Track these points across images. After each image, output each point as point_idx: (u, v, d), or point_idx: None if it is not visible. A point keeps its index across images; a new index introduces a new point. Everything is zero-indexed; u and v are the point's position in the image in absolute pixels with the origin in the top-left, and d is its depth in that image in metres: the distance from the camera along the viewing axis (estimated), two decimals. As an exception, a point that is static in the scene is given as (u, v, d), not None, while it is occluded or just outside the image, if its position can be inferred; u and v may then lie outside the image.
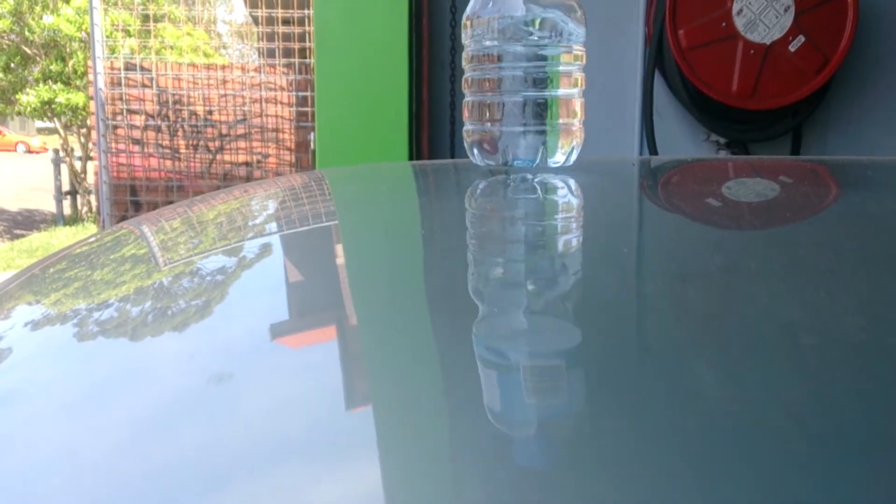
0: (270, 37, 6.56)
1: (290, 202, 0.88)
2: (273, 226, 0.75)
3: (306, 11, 6.22)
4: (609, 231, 0.63)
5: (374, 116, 3.01)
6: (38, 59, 12.21)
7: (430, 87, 3.14)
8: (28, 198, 14.84)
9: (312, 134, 4.82)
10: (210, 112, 6.82)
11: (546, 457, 0.28)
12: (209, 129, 6.81)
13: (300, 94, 6.61)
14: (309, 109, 6.42)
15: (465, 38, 0.83)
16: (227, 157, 6.86)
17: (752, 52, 2.63)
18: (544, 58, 0.80)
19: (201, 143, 6.81)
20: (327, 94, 3.06)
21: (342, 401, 0.34)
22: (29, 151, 26.87)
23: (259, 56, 7.46)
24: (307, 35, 6.29)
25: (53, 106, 11.91)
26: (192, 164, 6.82)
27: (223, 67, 7.15)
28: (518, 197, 0.76)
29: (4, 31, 12.02)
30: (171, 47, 8.88)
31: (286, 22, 6.42)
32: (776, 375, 0.32)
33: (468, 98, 0.84)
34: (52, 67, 12.00)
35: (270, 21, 6.48)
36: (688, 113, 2.90)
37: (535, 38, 0.79)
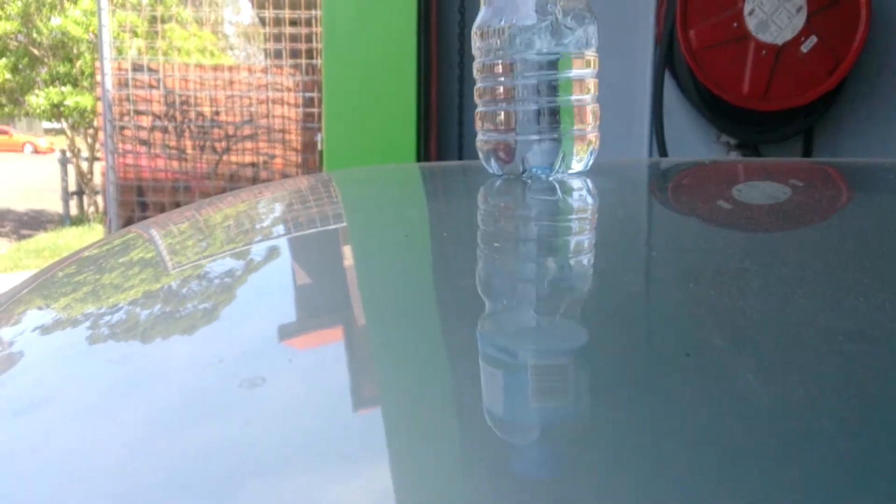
0: (277, 38, 6.57)
1: (301, 204, 0.88)
2: (287, 228, 0.75)
3: (313, 12, 6.22)
4: (634, 233, 0.63)
5: (383, 117, 3.00)
6: (45, 60, 12.25)
7: (439, 88, 3.12)
8: (35, 198, 14.88)
9: (319, 135, 4.82)
10: (217, 113, 6.83)
11: (564, 464, 0.27)
12: (216, 130, 6.82)
13: (307, 94, 6.61)
14: (315, 110, 6.43)
15: (476, 48, 0.82)
16: (233, 158, 6.87)
17: (763, 52, 2.61)
18: (556, 65, 0.79)
19: (208, 143, 6.81)
20: (335, 95, 3.06)
21: (356, 403, 0.34)
22: (36, 152, 27.00)
23: (266, 57, 7.45)
24: (314, 36, 6.29)
25: (62, 108, 11.94)
26: (199, 165, 6.82)
27: (230, 68, 7.16)
28: (536, 198, 0.76)
29: (12, 33, 12.07)
30: (179, 49, 8.89)
31: (293, 23, 6.42)
32: (818, 380, 0.32)
33: (481, 108, 0.83)
34: (60, 69, 12.04)
35: (277, 22, 6.48)
36: (698, 114, 2.88)
37: (547, 46, 0.78)
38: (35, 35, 11.98)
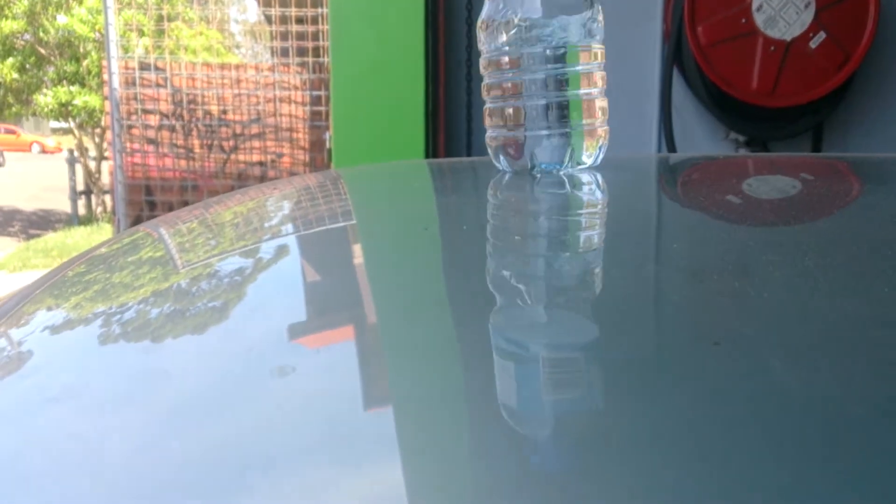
0: (284, 36, 6.56)
1: (311, 201, 0.87)
2: (297, 225, 0.75)
3: (320, 10, 6.21)
4: (654, 227, 0.63)
5: (391, 115, 3.00)
6: (52, 59, 12.27)
7: (447, 85, 3.12)
8: (43, 198, 14.92)
9: (328, 133, 4.82)
10: (224, 111, 6.83)
11: (592, 457, 0.27)
12: (223, 129, 6.82)
13: (314, 93, 6.61)
14: (323, 108, 6.42)
15: (481, 43, 0.81)
16: (241, 157, 6.86)
17: (772, 48, 2.60)
18: (563, 59, 0.78)
19: (216, 142, 6.81)
20: (343, 93, 3.06)
21: (367, 402, 0.33)
22: (44, 152, 27.08)
23: (272, 55, 7.45)
24: (321, 34, 6.28)
25: (70, 108, 11.96)
26: (207, 164, 6.82)
27: (237, 67, 7.15)
28: (549, 192, 0.75)
29: (18, 32, 12.08)
30: (185, 47, 8.90)
31: (299, 21, 6.41)
32: (847, 367, 0.32)
33: (488, 104, 0.83)
34: (67, 68, 12.05)
35: (284, 20, 6.47)
36: (707, 110, 2.87)
37: (553, 40, 0.78)
38: (41, 34, 12.00)
